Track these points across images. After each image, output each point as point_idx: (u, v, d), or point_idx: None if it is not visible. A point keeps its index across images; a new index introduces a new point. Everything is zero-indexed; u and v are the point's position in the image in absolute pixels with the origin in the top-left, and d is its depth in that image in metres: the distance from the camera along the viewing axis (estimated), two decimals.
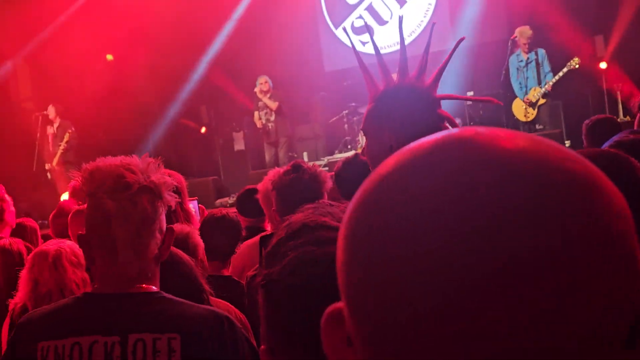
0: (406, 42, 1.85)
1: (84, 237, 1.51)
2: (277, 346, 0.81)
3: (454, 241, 0.39)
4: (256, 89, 9.37)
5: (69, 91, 9.69)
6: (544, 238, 0.38)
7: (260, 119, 9.45)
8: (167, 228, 1.54)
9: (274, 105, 9.31)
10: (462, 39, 1.85)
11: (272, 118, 9.38)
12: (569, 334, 0.38)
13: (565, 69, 7.88)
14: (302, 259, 0.79)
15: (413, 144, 0.46)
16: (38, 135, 9.42)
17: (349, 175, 2.92)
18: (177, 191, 2.40)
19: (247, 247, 3.07)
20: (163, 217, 1.53)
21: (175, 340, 1.43)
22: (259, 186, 3.03)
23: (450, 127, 1.75)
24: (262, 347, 0.83)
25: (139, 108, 10.21)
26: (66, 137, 9.21)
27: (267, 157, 9.49)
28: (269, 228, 3.28)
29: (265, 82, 9.31)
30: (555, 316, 0.38)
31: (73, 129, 9.26)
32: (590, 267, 0.38)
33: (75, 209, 3.60)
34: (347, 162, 3.06)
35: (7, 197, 4.07)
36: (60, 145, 9.24)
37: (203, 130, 10.61)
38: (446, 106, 1.89)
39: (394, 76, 1.77)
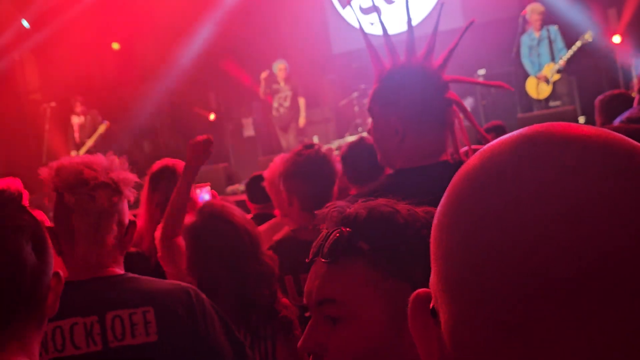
0: (415, 22, 1.81)
1: (51, 229, 1.59)
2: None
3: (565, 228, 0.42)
4: (264, 75, 9.28)
5: (76, 82, 9.67)
6: None
7: (272, 103, 9.39)
8: (130, 221, 1.67)
9: (302, 100, 9.26)
10: (471, 22, 1.81)
11: (287, 104, 9.32)
12: None
13: (578, 43, 7.75)
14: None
15: (494, 145, 0.49)
16: (47, 127, 9.42)
17: (356, 159, 2.90)
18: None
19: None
20: (124, 211, 1.65)
21: (150, 313, 1.57)
22: (265, 173, 3.00)
23: (459, 111, 1.71)
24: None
25: (147, 96, 10.18)
26: (101, 129, 9.24)
27: (284, 143, 9.40)
28: (278, 214, 3.24)
29: (285, 67, 9.23)
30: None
31: (108, 122, 9.30)
32: None
33: None
34: (353, 145, 3.03)
35: (23, 191, 4.04)
36: (92, 137, 9.29)
37: (212, 117, 10.56)
38: (460, 84, 1.84)
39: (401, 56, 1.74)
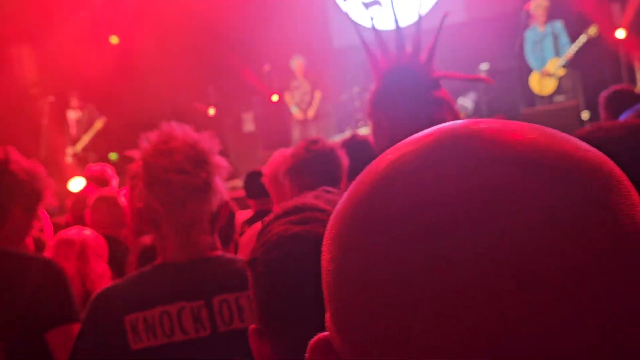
0: (418, 17, 1.77)
1: (149, 215, 1.57)
2: (262, 326, 0.82)
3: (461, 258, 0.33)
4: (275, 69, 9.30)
5: (75, 75, 9.61)
6: (582, 241, 0.33)
7: (292, 99, 9.40)
8: (222, 201, 1.64)
9: (318, 94, 9.26)
10: (446, 15, 1.77)
11: (307, 99, 9.36)
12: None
13: (583, 38, 7.69)
14: (281, 235, 0.80)
15: (404, 144, 0.41)
16: (45, 121, 9.37)
17: (348, 156, 2.88)
18: None
19: (257, 231, 2.98)
20: (217, 190, 1.62)
21: None
22: (265, 168, 2.96)
23: (446, 110, 1.66)
24: (252, 326, 0.84)
25: (146, 91, 10.13)
26: (98, 125, 9.19)
27: (296, 134, 9.44)
28: None
29: (302, 64, 9.28)
30: (589, 333, 0.32)
31: (105, 118, 9.26)
32: (626, 267, 0.34)
33: (97, 196, 3.55)
34: (345, 143, 3.00)
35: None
36: (88, 132, 9.24)
37: (212, 111, 10.51)
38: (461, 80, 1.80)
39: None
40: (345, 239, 0.39)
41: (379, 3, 9.82)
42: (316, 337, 0.42)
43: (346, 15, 10.18)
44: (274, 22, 9.85)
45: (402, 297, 0.35)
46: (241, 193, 4.15)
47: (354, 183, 0.42)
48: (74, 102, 9.36)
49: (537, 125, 0.39)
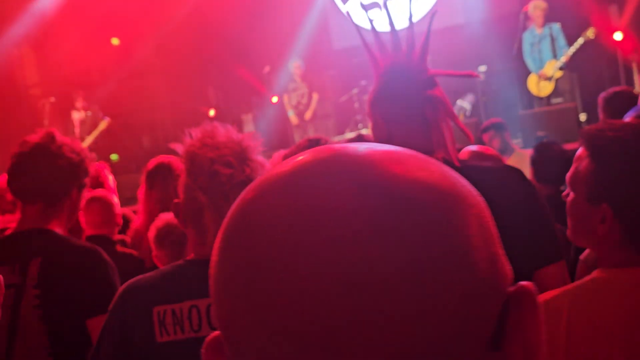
0: (418, 17, 1.78)
1: (189, 207, 1.55)
2: None
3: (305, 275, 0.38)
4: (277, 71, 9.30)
5: (76, 77, 9.62)
6: (401, 253, 0.37)
7: (290, 101, 9.42)
8: None
9: (315, 95, 9.30)
10: (434, 13, 1.79)
11: (305, 101, 9.37)
12: (429, 348, 0.37)
13: (580, 40, 7.71)
14: None
15: (292, 158, 0.44)
16: (46, 122, 9.37)
17: None
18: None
19: None
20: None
21: None
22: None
23: (440, 108, 1.67)
24: None
25: (147, 92, 10.14)
26: (102, 126, 9.19)
27: (297, 137, 9.45)
28: None
29: (300, 66, 9.29)
30: (414, 331, 0.37)
31: (109, 119, 9.26)
32: (441, 282, 0.38)
33: (90, 196, 3.56)
34: (351, 142, 2.98)
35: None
36: (92, 133, 9.24)
37: (212, 112, 10.52)
38: (460, 81, 1.81)
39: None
40: (218, 243, 0.44)
41: (378, 5, 9.85)
42: (211, 336, 0.46)
43: (347, 16, 10.19)
44: (274, 23, 9.87)
45: (251, 301, 0.39)
46: None
47: (237, 200, 0.46)
48: (79, 102, 9.36)
49: (427, 160, 0.43)
